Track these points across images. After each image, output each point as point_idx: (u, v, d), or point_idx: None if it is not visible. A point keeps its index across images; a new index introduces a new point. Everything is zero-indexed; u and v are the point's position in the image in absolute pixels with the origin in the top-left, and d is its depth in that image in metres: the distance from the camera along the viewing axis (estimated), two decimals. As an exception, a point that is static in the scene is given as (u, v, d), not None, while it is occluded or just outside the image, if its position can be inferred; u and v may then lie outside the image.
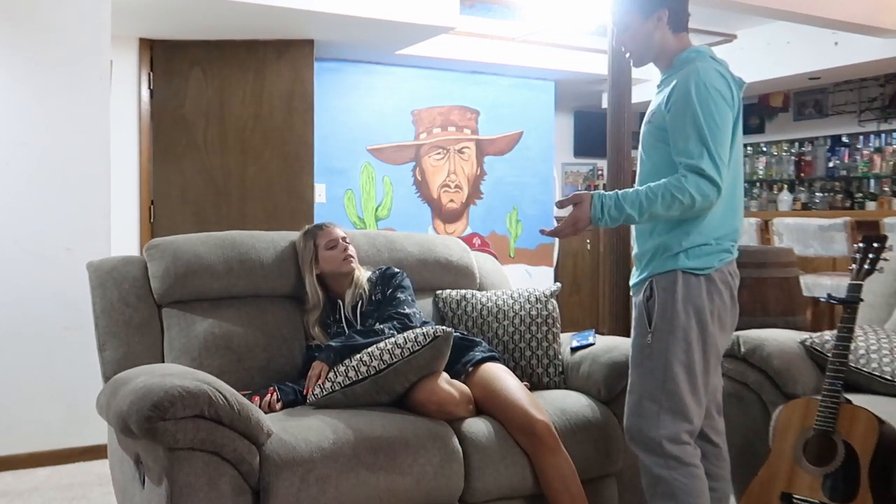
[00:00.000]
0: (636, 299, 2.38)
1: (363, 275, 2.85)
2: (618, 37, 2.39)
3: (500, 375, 2.58)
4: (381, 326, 2.65)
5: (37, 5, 3.70)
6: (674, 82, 2.26)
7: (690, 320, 2.24)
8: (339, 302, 2.81)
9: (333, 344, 2.59)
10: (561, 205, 2.34)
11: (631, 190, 2.26)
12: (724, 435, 2.50)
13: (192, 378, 2.08)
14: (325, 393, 2.46)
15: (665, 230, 2.29)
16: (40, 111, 3.72)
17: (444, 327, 2.46)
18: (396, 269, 2.88)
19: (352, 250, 2.84)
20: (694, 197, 2.16)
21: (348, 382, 2.44)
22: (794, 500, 2.44)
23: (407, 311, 2.73)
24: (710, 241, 2.27)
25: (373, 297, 2.80)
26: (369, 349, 2.48)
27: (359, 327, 2.73)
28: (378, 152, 6.19)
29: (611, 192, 2.26)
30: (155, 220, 5.29)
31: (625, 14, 2.34)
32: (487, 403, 2.53)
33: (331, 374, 2.49)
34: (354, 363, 2.46)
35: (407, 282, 2.85)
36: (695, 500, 2.26)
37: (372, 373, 2.42)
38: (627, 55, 2.43)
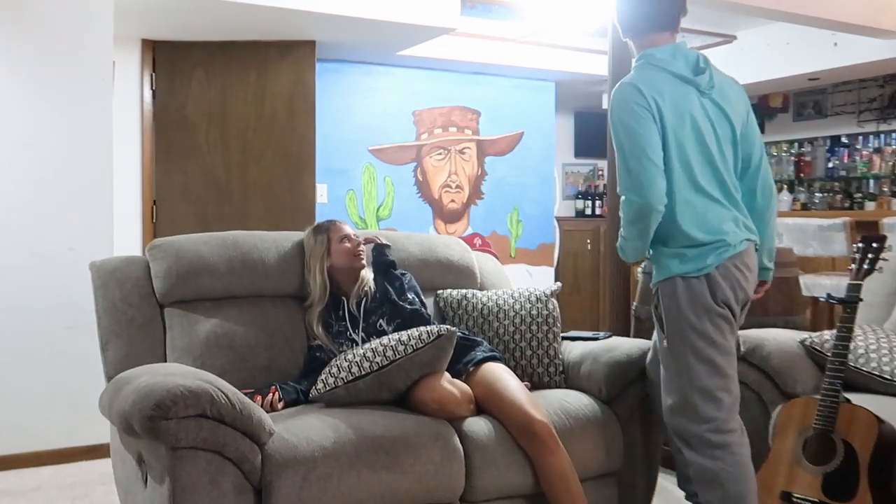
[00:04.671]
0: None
1: (369, 275, 2.88)
2: None
3: (500, 375, 2.59)
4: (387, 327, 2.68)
5: (40, 7, 3.71)
6: None
7: (701, 319, 2.32)
8: (343, 299, 2.83)
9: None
10: None
11: None
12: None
13: (194, 377, 2.09)
14: (327, 388, 2.47)
15: (655, 240, 2.38)
16: (43, 112, 3.73)
17: (448, 326, 2.47)
18: (403, 272, 2.91)
19: (363, 248, 2.88)
20: (622, 233, 2.39)
21: (351, 378, 2.45)
22: (794, 499, 2.45)
23: (421, 310, 2.78)
24: (697, 242, 2.32)
25: (376, 295, 2.82)
26: (373, 345, 2.50)
27: (362, 323, 2.75)
28: (379, 153, 6.20)
29: None
30: (157, 220, 5.30)
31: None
32: (488, 403, 2.54)
33: (333, 370, 2.50)
34: (357, 359, 2.47)
35: (414, 282, 2.90)
36: (742, 487, 2.32)
37: (374, 368, 2.43)
38: None
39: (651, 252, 2.43)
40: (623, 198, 2.32)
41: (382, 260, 2.88)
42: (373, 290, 2.83)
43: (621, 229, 2.39)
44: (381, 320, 2.75)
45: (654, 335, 2.53)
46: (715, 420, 2.33)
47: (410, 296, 2.81)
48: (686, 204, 2.32)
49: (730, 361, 2.39)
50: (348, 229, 2.90)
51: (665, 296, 2.36)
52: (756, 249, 2.45)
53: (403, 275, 2.88)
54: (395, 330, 2.69)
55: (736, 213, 2.39)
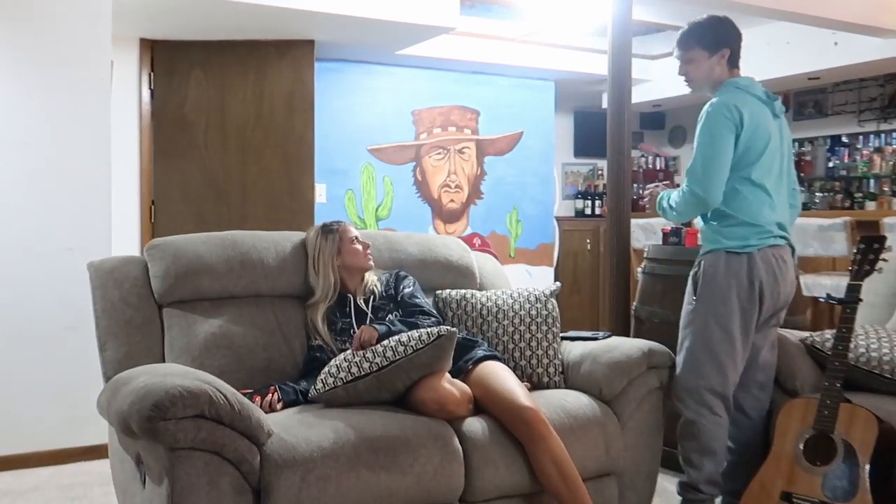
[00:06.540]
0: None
1: (373, 277, 2.92)
2: (682, 67, 2.85)
3: (497, 372, 2.60)
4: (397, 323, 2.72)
5: (37, 6, 3.71)
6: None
7: (731, 290, 2.63)
8: (350, 296, 2.85)
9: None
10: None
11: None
12: (760, 411, 2.82)
13: (192, 378, 2.09)
14: (326, 388, 2.47)
15: (711, 218, 2.73)
16: (41, 112, 3.73)
17: (448, 327, 2.46)
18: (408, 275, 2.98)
19: (371, 250, 2.95)
20: (675, 207, 2.75)
21: (350, 378, 2.44)
22: (795, 499, 2.45)
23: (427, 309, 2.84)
24: (747, 225, 2.65)
25: (385, 293, 2.87)
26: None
27: (370, 317, 2.79)
28: (378, 152, 6.19)
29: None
30: (155, 220, 5.29)
31: (693, 49, 2.81)
32: (484, 400, 2.54)
33: (332, 370, 2.49)
34: (357, 359, 2.46)
35: (419, 286, 2.95)
36: (714, 444, 2.67)
37: (374, 369, 2.43)
38: (685, 81, 2.89)
39: (704, 228, 2.77)
40: (688, 188, 2.68)
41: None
42: (380, 288, 2.88)
43: (674, 202, 2.76)
44: (390, 315, 2.79)
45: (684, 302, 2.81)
46: (711, 379, 2.65)
47: (420, 298, 2.88)
48: (738, 193, 2.66)
49: (744, 338, 2.66)
50: (355, 231, 2.95)
51: (708, 264, 2.69)
52: (794, 256, 2.77)
53: (406, 277, 2.95)
54: (406, 326, 2.75)
55: (782, 218, 2.74)
